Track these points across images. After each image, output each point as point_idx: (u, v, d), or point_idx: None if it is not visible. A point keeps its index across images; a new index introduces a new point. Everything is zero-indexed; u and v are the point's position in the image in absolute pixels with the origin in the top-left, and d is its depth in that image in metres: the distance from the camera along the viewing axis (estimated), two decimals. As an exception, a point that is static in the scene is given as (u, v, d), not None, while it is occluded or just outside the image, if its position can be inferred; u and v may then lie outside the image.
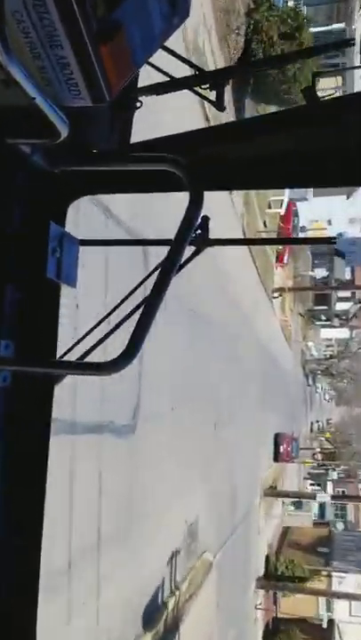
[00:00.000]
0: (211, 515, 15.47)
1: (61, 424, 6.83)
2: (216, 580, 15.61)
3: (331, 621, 30.41)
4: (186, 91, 2.26)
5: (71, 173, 1.75)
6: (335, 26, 24.71)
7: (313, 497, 26.49)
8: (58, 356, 1.88)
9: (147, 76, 1.93)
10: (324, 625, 30.00)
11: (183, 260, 1.51)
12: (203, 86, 2.16)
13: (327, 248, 59.55)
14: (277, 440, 31.64)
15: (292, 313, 47.18)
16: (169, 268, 1.32)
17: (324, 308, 63.15)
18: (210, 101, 2.16)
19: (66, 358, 1.96)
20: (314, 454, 58.68)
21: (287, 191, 30.26)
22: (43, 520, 1.73)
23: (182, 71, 2.34)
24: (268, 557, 26.23)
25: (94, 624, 7.91)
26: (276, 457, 31.52)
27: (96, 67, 1.29)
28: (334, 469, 66.42)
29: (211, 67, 12.31)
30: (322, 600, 30.12)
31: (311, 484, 67.20)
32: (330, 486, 67.20)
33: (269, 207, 28.68)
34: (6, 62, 1.16)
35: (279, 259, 33.17)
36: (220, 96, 2.14)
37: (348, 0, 24.84)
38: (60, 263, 1.66)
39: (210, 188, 1.65)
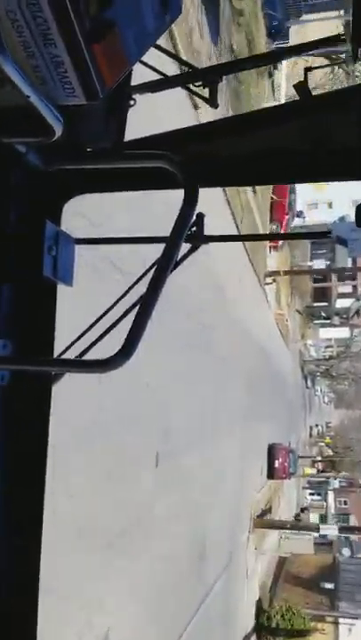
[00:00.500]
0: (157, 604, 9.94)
1: None
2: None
3: None
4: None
5: (66, 172, 1.75)
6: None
7: (315, 529, 21.04)
8: (56, 354, 1.87)
9: (140, 74, 1.91)
10: None
11: (179, 257, 1.50)
12: (196, 84, 2.15)
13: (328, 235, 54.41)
14: (271, 453, 26.12)
15: (289, 308, 41.87)
16: (165, 265, 1.30)
17: (324, 304, 57.68)
18: (203, 98, 2.17)
19: (63, 356, 1.94)
20: (314, 462, 53.02)
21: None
22: (42, 520, 1.71)
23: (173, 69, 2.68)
24: (260, 604, 20.68)
25: None
26: (271, 473, 26.04)
27: (90, 65, 1.28)
28: (335, 477, 60.77)
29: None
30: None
31: (311, 494, 61.72)
32: (331, 496, 61.75)
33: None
34: (1, 61, 1.17)
35: (273, 244, 27.75)
36: (213, 93, 2.12)
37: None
38: (56, 262, 1.66)
39: (204, 184, 1.56)
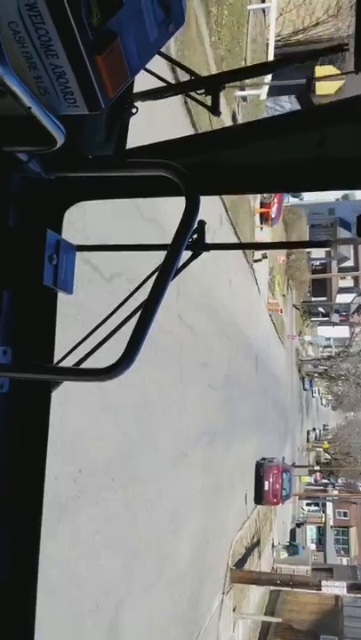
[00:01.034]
0: None
1: None
2: None
3: None
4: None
5: (67, 180, 1.74)
6: None
7: (317, 586, 15.60)
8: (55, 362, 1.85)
9: (142, 82, 1.87)
10: None
11: (180, 264, 1.49)
12: (198, 91, 2.13)
13: (328, 217, 49.06)
14: (260, 473, 20.54)
15: (284, 299, 36.43)
16: (166, 272, 1.29)
17: (323, 299, 52.16)
18: (206, 106, 2.16)
19: (63, 364, 1.92)
20: (312, 472, 47.38)
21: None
22: (40, 526, 1.67)
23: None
24: None
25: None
26: (259, 498, 20.49)
27: (92, 76, 1.27)
28: (335, 487, 55.14)
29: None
30: None
31: (308, 504, 56.06)
32: (330, 508, 56.08)
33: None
34: (2, 73, 1.15)
35: (264, 212, 22.12)
36: (215, 101, 2.09)
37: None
38: (56, 270, 1.63)
39: (206, 192, 1.60)
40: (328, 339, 65.92)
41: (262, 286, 25.43)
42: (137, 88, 1.79)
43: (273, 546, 29.26)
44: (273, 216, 22.97)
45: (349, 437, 58.54)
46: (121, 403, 7.84)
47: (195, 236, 1.96)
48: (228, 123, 14.71)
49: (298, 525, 43.80)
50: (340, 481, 64.21)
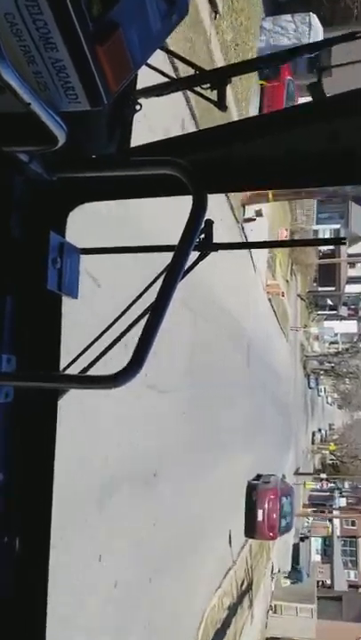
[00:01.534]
0: None
1: None
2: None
3: None
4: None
5: (70, 180, 1.66)
6: None
7: None
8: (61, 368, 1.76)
9: (145, 77, 1.79)
10: None
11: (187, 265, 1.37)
12: (203, 86, 2.06)
13: (340, 191, 43.38)
14: (252, 497, 15.43)
15: (288, 286, 31.37)
16: (174, 274, 1.23)
17: (331, 289, 46.82)
18: (211, 101, 2.08)
19: (68, 371, 1.81)
20: (319, 480, 42.14)
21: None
22: (50, 536, 1.61)
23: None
24: None
25: None
26: (251, 530, 15.40)
27: (93, 69, 1.20)
28: (342, 494, 49.92)
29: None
30: None
31: (314, 511, 50.87)
32: (336, 518, 50.85)
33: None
34: (0, 68, 1.10)
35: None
36: (221, 95, 2.03)
37: None
38: (60, 274, 1.56)
39: (214, 190, 1.49)
40: (335, 334, 60.82)
41: (259, 263, 20.33)
42: (139, 84, 1.71)
43: (272, 574, 24.19)
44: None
45: (358, 438, 53.39)
46: None
47: (202, 235, 1.86)
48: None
49: (302, 539, 38.66)
50: (346, 485, 59.18)
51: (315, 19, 17.18)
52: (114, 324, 1.87)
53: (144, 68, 1.35)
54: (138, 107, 1.69)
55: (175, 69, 6.05)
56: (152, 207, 7.40)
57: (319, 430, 62.74)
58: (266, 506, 15.19)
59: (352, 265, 47.72)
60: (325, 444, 59.84)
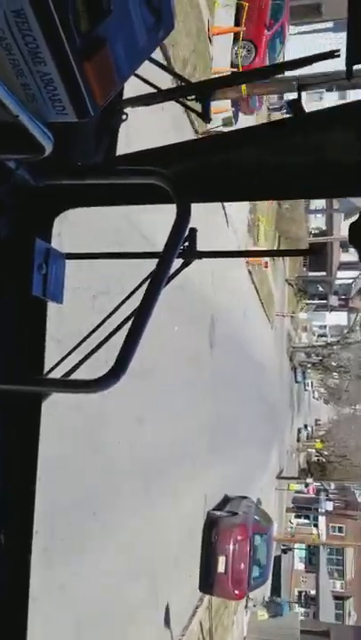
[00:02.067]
0: None
1: None
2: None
3: None
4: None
5: (57, 187, 1.65)
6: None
7: None
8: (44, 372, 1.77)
9: (132, 88, 1.74)
10: None
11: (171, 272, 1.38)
12: (188, 97, 2.08)
13: None
14: (211, 536, 10.50)
15: (274, 264, 26.46)
16: (158, 279, 1.23)
17: (322, 274, 42.02)
18: (196, 112, 2.10)
19: (51, 375, 1.81)
20: (307, 485, 37.35)
21: None
22: (32, 535, 1.61)
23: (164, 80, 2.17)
24: None
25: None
26: (208, 584, 10.51)
27: (80, 83, 1.21)
28: (328, 497, 45.26)
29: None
30: None
31: (297, 517, 46.22)
32: (322, 521, 46.30)
33: None
34: None
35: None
36: (205, 107, 2.03)
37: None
38: (46, 280, 1.56)
39: (197, 200, 1.50)
40: (324, 326, 56.21)
41: (235, 220, 15.40)
42: (126, 94, 1.71)
43: (246, 607, 19.36)
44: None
45: (347, 436, 48.88)
46: None
47: (186, 243, 1.85)
48: None
49: (284, 551, 33.95)
50: (332, 485, 54.76)
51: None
52: (97, 329, 1.82)
53: (131, 78, 1.33)
54: (124, 116, 1.75)
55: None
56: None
57: (305, 427, 58.10)
58: (230, 550, 10.23)
59: (345, 249, 42.86)
60: (311, 442, 55.29)
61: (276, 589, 27.30)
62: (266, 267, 18.60)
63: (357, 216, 1.56)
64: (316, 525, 44.43)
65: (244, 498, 12.98)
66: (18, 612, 1.56)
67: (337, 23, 20.98)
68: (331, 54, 1.93)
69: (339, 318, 53.18)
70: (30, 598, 1.64)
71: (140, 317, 1.15)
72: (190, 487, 10.17)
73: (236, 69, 12.19)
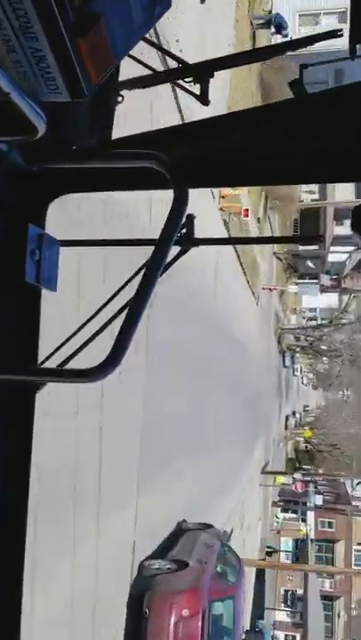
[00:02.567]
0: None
1: None
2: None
3: None
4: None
5: (50, 171, 1.59)
6: None
7: None
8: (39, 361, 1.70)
9: (127, 69, 1.69)
10: None
11: (168, 259, 1.38)
12: (186, 79, 2.00)
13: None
14: (142, 607, 6.39)
15: (261, 227, 22.13)
16: (154, 268, 1.20)
17: (314, 248, 37.72)
18: (194, 95, 2.03)
19: (47, 364, 1.73)
20: (295, 480, 33.36)
21: None
22: (26, 522, 1.55)
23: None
24: None
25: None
26: None
27: (74, 60, 1.15)
28: (319, 490, 41.42)
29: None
30: None
31: (284, 510, 42.41)
32: (311, 517, 42.55)
33: None
34: None
35: None
36: (204, 89, 1.97)
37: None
38: (39, 266, 1.48)
39: (194, 184, 1.46)
40: (314, 309, 52.17)
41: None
42: (122, 76, 1.63)
43: None
44: None
45: (337, 423, 45.18)
46: None
47: (183, 230, 1.80)
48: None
49: (269, 554, 30.02)
50: (321, 477, 51.07)
51: None
52: (93, 319, 1.77)
53: (127, 59, 1.29)
54: (119, 98, 1.67)
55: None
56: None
57: (293, 414, 54.28)
58: (170, 634, 6.02)
59: (339, 221, 38.57)
60: (300, 430, 51.52)
61: (258, 606, 23.46)
62: (245, 216, 14.38)
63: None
64: (304, 520, 40.64)
65: (207, 528, 8.76)
66: (10, 617, 1.46)
67: None
68: (333, 34, 1.96)
69: (329, 300, 49.20)
70: None
71: (136, 306, 1.13)
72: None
73: None
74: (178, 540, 7.99)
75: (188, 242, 1.83)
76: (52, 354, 1.75)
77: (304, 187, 29.36)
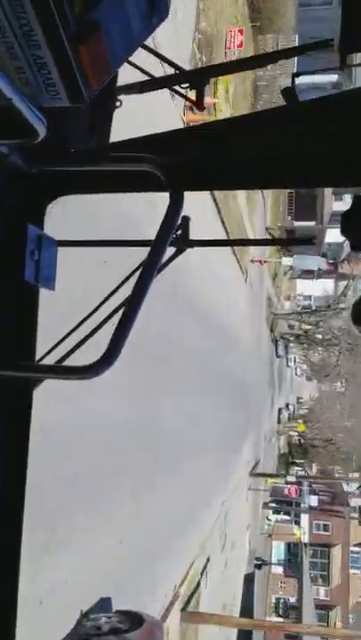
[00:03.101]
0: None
1: None
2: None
3: None
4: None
5: (49, 173, 1.60)
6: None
7: None
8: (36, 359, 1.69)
9: (126, 75, 1.72)
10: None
11: (164, 260, 1.36)
12: (183, 85, 2.02)
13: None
14: None
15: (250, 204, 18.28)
16: (150, 268, 1.22)
17: (310, 224, 33.66)
18: (190, 100, 2.07)
19: (44, 362, 1.73)
20: (287, 484, 29.43)
21: None
22: (22, 523, 1.53)
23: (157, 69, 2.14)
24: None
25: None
26: None
27: (74, 67, 1.17)
28: (314, 490, 37.66)
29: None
30: None
31: (276, 512, 38.58)
32: (305, 519, 38.82)
33: None
34: None
35: None
36: (200, 95, 1.99)
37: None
38: (38, 266, 1.50)
39: (190, 188, 1.47)
40: (308, 296, 48.39)
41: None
42: (120, 81, 1.64)
43: None
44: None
45: (332, 416, 41.62)
46: None
47: (178, 232, 1.80)
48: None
49: (258, 566, 26.15)
50: (315, 470, 47.60)
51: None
52: (90, 317, 1.77)
53: (125, 65, 1.29)
54: (118, 103, 1.67)
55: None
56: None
57: (287, 406, 50.51)
58: None
59: (339, 196, 34.53)
60: (293, 423, 47.81)
61: (248, 592, 19.66)
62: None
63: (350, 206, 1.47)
64: (298, 523, 36.90)
65: (128, 616, 4.77)
66: (5, 616, 1.46)
67: None
68: (325, 43, 1.93)
69: (326, 287, 45.35)
70: None
71: (132, 305, 1.14)
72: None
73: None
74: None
75: (184, 243, 1.82)
76: (50, 351, 1.74)
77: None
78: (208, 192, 10.67)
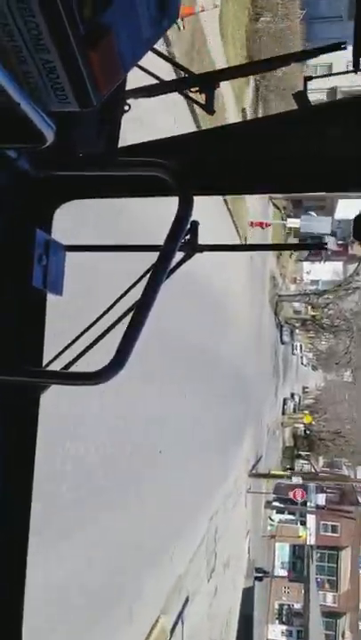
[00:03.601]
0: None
1: None
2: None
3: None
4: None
5: (58, 178, 1.59)
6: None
7: None
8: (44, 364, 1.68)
9: (135, 78, 1.67)
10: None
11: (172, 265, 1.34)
12: (192, 89, 2.01)
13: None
14: None
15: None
16: (159, 273, 1.20)
17: (319, 194, 29.98)
18: (199, 104, 2.05)
19: (50, 367, 1.71)
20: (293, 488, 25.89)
21: None
22: (28, 540, 1.52)
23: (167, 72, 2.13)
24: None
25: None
26: None
27: (83, 71, 1.14)
28: (322, 488, 34.14)
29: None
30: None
31: (280, 512, 35.13)
32: (312, 520, 35.37)
33: None
34: None
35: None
36: (209, 99, 1.98)
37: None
38: (46, 271, 1.49)
39: (199, 192, 1.43)
40: (316, 281, 44.56)
41: None
42: (129, 85, 1.62)
43: None
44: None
45: (340, 406, 38.26)
46: None
47: (187, 236, 1.77)
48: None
49: (258, 578, 22.74)
50: (321, 463, 44.26)
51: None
52: (97, 322, 1.73)
53: (134, 69, 1.30)
54: (127, 107, 1.64)
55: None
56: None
57: (292, 396, 46.97)
58: None
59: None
60: (299, 415, 44.31)
61: (246, 608, 16.42)
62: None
63: None
64: (303, 523, 33.49)
65: None
66: (12, 617, 1.44)
67: None
68: (337, 46, 1.89)
69: (335, 270, 41.57)
70: None
71: (141, 310, 1.14)
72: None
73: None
74: None
75: (192, 248, 1.76)
76: (57, 357, 1.73)
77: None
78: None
